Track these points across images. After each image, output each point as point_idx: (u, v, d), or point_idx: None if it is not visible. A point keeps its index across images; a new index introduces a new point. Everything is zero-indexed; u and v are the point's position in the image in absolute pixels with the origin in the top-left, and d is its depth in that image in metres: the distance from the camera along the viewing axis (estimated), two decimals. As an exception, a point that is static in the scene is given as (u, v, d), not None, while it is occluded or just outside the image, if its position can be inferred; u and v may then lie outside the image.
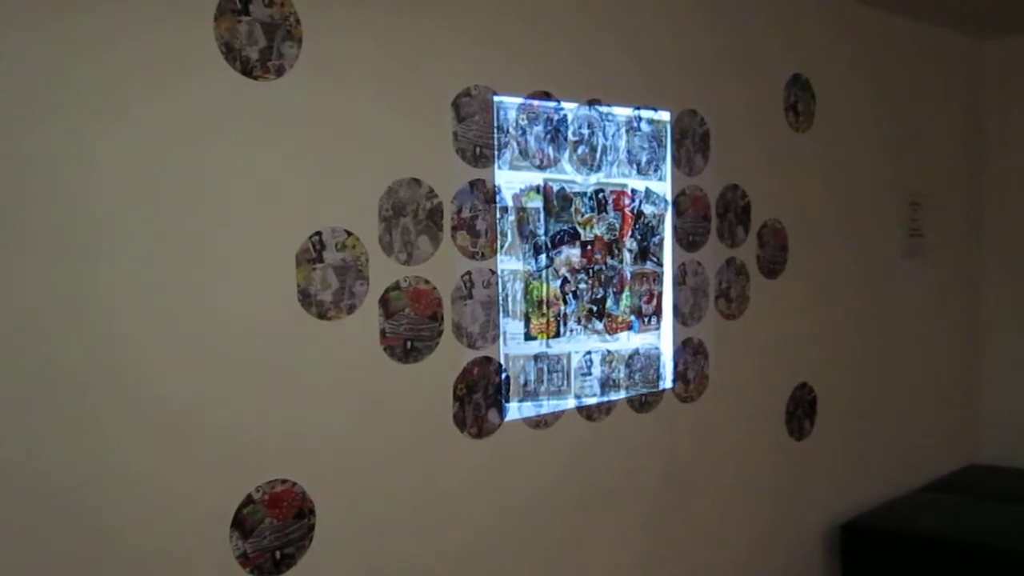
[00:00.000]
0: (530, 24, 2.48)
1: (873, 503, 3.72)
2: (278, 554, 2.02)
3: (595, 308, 2.69)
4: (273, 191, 1.99)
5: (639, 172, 2.79)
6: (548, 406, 2.57)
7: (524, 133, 2.48)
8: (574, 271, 2.62)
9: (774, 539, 3.34)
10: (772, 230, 3.25)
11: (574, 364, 2.64)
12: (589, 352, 2.68)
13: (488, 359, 2.41)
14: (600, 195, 2.68)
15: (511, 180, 2.45)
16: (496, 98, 2.40)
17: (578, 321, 2.64)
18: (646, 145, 2.80)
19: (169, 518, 1.86)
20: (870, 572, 3.48)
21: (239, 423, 1.95)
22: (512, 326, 2.47)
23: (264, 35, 1.96)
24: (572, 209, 2.61)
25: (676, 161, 2.88)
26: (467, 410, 2.37)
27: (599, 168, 2.68)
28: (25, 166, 1.67)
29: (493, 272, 2.41)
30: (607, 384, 2.72)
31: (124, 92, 1.78)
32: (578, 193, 2.63)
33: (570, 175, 2.60)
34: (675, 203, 2.89)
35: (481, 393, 2.40)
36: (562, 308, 2.60)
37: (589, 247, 2.65)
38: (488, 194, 2.39)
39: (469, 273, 2.35)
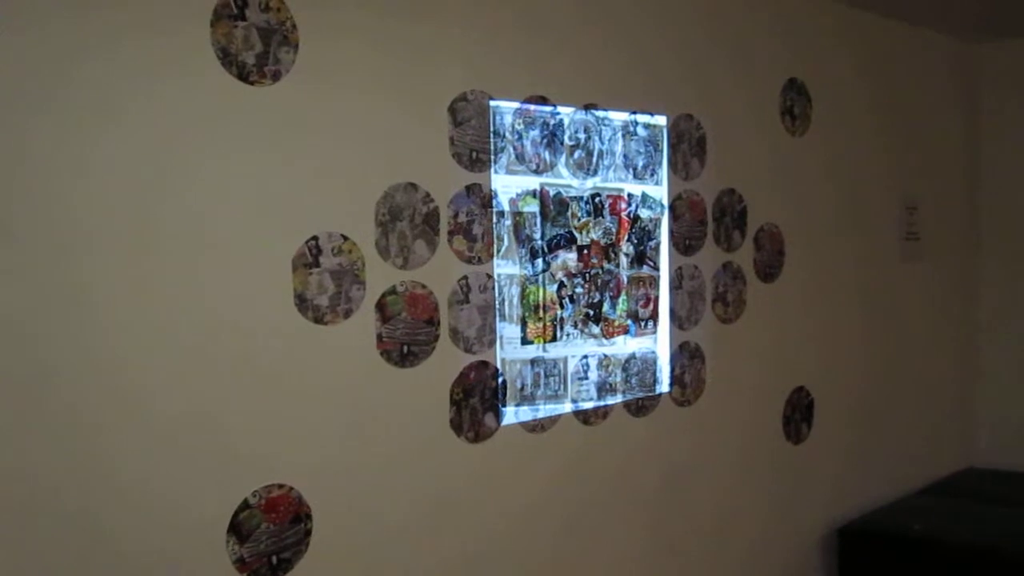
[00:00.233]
0: (526, 29, 2.49)
1: (870, 507, 3.72)
2: (274, 559, 2.02)
3: (592, 312, 2.69)
4: (269, 196, 2.00)
5: (635, 176, 2.79)
6: (545, 410, 2.57)
7: (520, 137, 2.48)
8: (570, 275, 2.63)
9: (772, 543, 3.34)
10: (769, 234, 3.26)
11: (571, 368, 2.64)
12: (586, 356, 2.68)
13: (485, 363, 2.41)
14: (596, 199, 2.69)
15: (507, 184, 2.46)
16: (492, 102, 2.41)
17: (575, 325, 2.64)
18: (642, 149, 2.80)
19: (165, 523, 1.86)
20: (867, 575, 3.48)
21: (235, 428, 1.95)
22: (509, 330, 2.47)
23: (260, 40, 1.97)
24: (568, 213, 2.62)
25: (672, 165, 2.88)
26: (464, 414, 2.37)
27: (595, 172, 2.68)
28: (21, 170, 1.67)
29: (489, 276, 2.41)
30: (604, 388, 2.72)
31: (120, 97, 1.78)
32: (574, 197, 2.63)
33: (566, 179, 2.61)
34: (671, 207, 2.89)
35: (478, 397, 2.40)
36: (559, 312, 2.60)
37: (585, 251, 2.66)
38: (484, 199, 2.39)
39: (466, 277, 2.36)
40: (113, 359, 1.78)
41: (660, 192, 2.86)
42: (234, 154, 1.94)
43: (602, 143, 2.69)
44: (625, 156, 2.76)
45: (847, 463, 3.64)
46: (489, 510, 2.45)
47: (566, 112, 2.59)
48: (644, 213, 2.82)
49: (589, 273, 2.67)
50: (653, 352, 2.87)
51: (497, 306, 2.44)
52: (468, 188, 2.35)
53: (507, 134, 2.45)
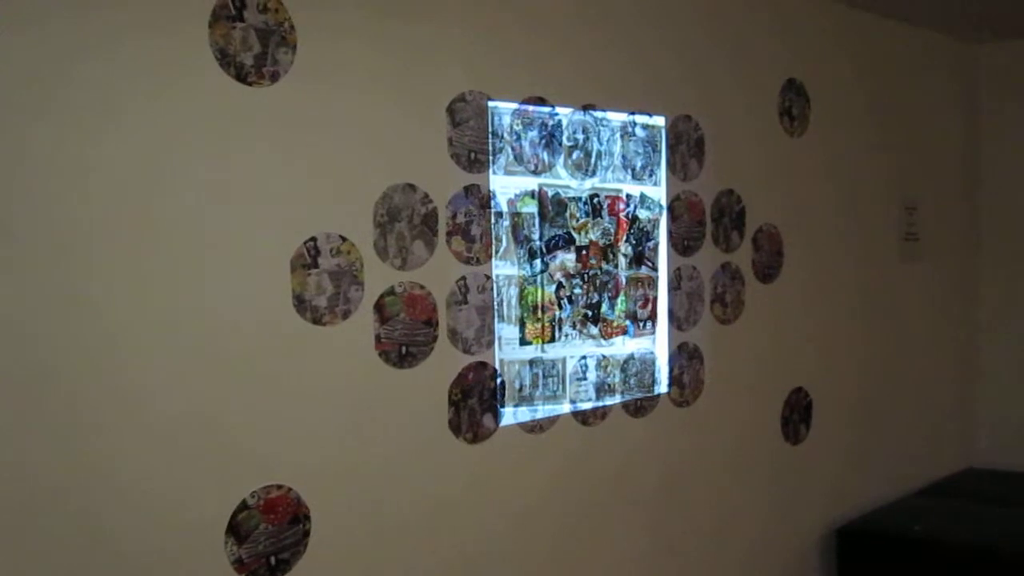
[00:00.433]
0: (525, 30, 2.49)
1: (870, 507, 3.72)
2: (273, 560, 2.02)
3: (590, 313, 2.69)
4: (268, 197, 2.00)
5: (634, 177, 2.79)
6: (543, 411, 2.58)
7: (519, 138, 2.48)
8: (569, 276, 2.63)
9: (770, 543, 3.34)
10: (767, 235, 3.26)
11: (569, 369, 2.64)
12: (584, 357, 2.68)
13: (483, 364, 2.41)
14: (595, 200, 2.69)
15: (506, 185, 2.46)
16: (491, 103, 2.41)
17: (573, 326, 2.65)
18: (641, 150, 2.80)
19: (164, 523, 1.86)
20: (867, 576, 3.48)
21: (234, 428, 1.95)
22: (507, 331, 2.48)
23: (259, 41, 1.97)
24: (567, 214, 2.62)
25: (671, 166, 2.89)
26: (462, 415, 2.37)
27: (594, 173, 2.68)
28: (20, 170, 1.67)
29: (488, 277, 2.41)
30: (602, 389, 2.73)
31: (119, 97, 1.78)
32: (573, 198, 2.63)
33: (565, 180, 2.61)
34: (670, 208, 2.89)
35: (476, 398, 2.40)
36: (557, 313, 2.60)
37: (584, 252, 2.66)
38: (483, 199, 2.39)
39: (464, 278, 2.36)
40: (112, 359, 1.79)
41: (658, 193, 2.86)
42: (232, 155, 1.94)
43: (600, 144, 2.69)
44: (623, 157, 2.76)
45: (846, 463, 3.64)
46: (488, 511, 2.45)
47: (564, 113, 2.59)
48: (642, 214, 2.82)
49: (588, 274, 2.67)
50: (652, 353, 2.87)
51: (495, 307, 2.44)
52: (466, 189, 2.36)
53: (505, 135, 2.45)
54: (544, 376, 2.58)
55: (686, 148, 2.93)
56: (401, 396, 2.24)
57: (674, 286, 2.92)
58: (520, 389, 2.52)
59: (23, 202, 1.68)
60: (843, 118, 3.56)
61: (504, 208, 2.46)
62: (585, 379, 2.68)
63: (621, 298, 2.77)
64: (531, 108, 2.51)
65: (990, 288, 4.35)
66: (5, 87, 1.65)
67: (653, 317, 2.87)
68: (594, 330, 2.70)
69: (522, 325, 2.51)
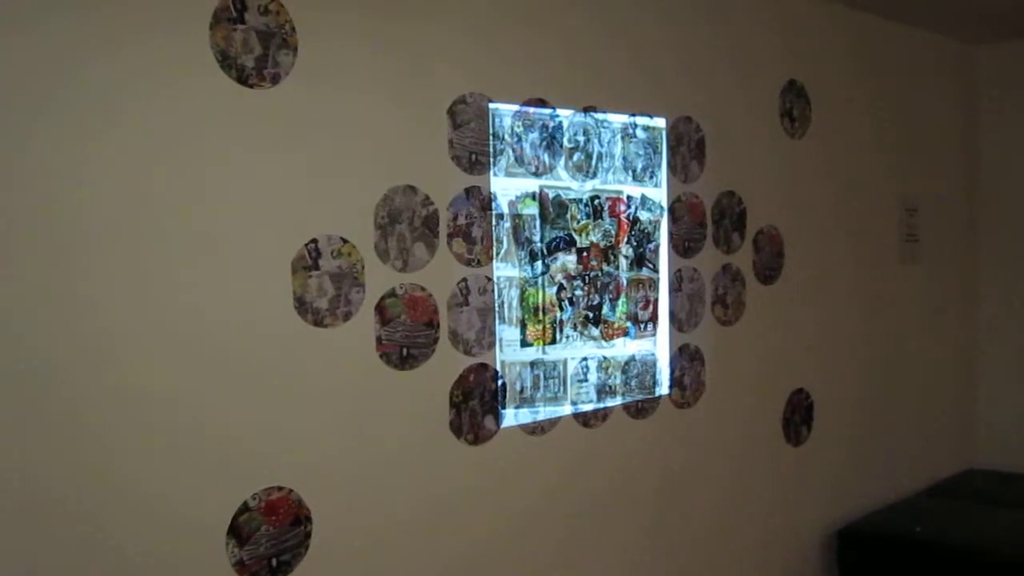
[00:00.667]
0: (525, 31, 2.49)
1: (870, 508, 3.72)
2: (274, 561, 2.02)
3: (591, 314, 2.69)
4: (269, 199, 2.00)
5: (635, 179, 2.79)
6: (544, 413, 2.58)
7: (520, 140, 2.48)
8: (570, 278, 2.63)
9: (771, 545, 3.34)
10: (768, 236, 3.26)
11: (570, 371, 2.64)
12: (585, 359, 2.68)
13: (484, 366, 2.41)
14: (596, 202, 2.69)
15: (507, 187, 2.46)
16: (492, 105, 2.41)
17: (574, 327, 2.64)
18: (642, 152, 2.80)
19: (165, 525, 1.86)
20: (868, 578, 3.48)
21: (235, 430, 1.95)
22: (508, 333, 2.48)
23: (259, 43, 1.97)
24: (568, 216, 2.62)
25: (672, 167, 2.89)
26: (463, 417, 2.37)
27: (595, 175, 2.68)
28: (19, 173, 1.67)
29: (489, 279, 2.41)
30: (603, 391, 2.73)
31: (119, 99, 1.78)
32: (574, 200, 2.63)
33: (566, 182, 2.61)
34: (671, 209, 2.89)
35: (477, 400, 2.40)
36: (558, 315, 2.60)
37: (585, 253, 2.66)
38: (484, 201, 2.39)
39: (465, 280, 2.36)
40: (113, 361, 1.79)
41: (659, 194, 2.86)
42: (233, 157, 1.94)
43: (601, 145, 2.69)
44: (624, 158, 2.76)
45: (847, 465, 3.64)
46: (489, 513, 2.45)
47: (565, 114, 2.59)
48: (643, 215, 2.82)
49: (588, 275, 2.67)
50: (653, 354, 2.87)
51: (496, 308, 2.44)
52: (467, 191, 2.36)
53: (506, 136, 2.45)
54: (545, 378, 2.58)
55: (687, 150, 2.94)
56: (402, 398, 2.24)
57: (675, 288, 2.92)
58: (521, 391, 2.52)
59: (23, 203, 1.68)
60: (844, 120, 3.56)
61: (505, 210, 2.46)
62: (586, 381, 2.68)
63: (622, 300, 2.77)
64: (532, 110, 2.51)
65: (990, 289, 4.35)
66: (5, 87, 1.65)
67: (654, 319, 2.87)
68: (595, 332, 2.70)
69: (523, 327, 2.51)
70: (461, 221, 2.34)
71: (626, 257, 2.78)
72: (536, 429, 2.55)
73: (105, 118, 1.77)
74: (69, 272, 1.73)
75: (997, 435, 4.34)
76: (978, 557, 3.24)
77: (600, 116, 2.69)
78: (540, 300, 2.55)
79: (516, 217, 2.49)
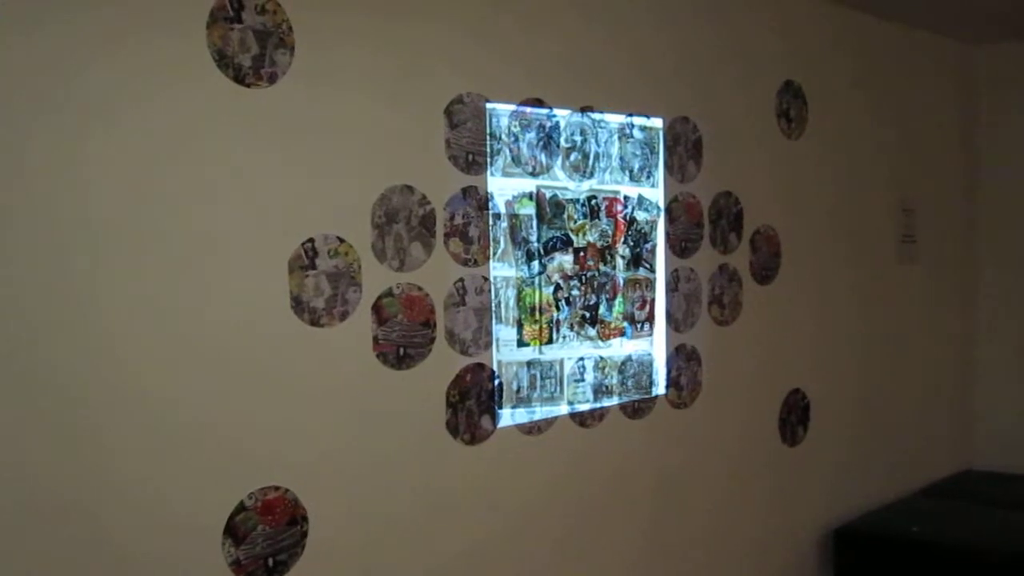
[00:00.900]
0: (523, 32, 2.49)
1: (867, 508, 3.72)
2: (270, 561, 2.02)
3: (588, 314, 2.69)
4: (265, 198, 2.00)
5: (632, 179, 2.79)
6: (541, 412, 2.58)
7: (517, 140, 2.48)
8: (567, 277, 2.63)
9: (768, 545, 3.34)
10: (765, 236, 3.26)
11: (567, 370, 2.64)
12: (582, 358, 2.68)
13: (481, 366, 2.41)
14: (593, 202, 2.69)
15: (504, 187, 2.46)
16: (489, 105, 2.41)
17: (571, 327, 2.65)
18: (639, 152, 2.81)
19: (161, 525, 1.86)
20: (864, 578, 3.48)
21: (231, 430, 1.95)
22: (505, 333, 2.48)
23: (257, 43, 1.97)
24: (565, 216, 2.62)
25: (669, 168, 2.89)
26: (460, 417, 2.37)
27: (592, 175, 2.68)
28: (17, 173, 1.67)
29: (486, 279, 2.42)
30: (600, 390, 2.73)
31: (117, 99, 1.78)
32: (571, 200, 2.63)
33: (563, 182, 2.61)
34: (668, 209, 2.89)
35: (474, 400, 2.40)
36: (555, 314, 2.60)
37: (582, 253, 2.66)
38: (481, 201, 2.40)
39: (462, 280, 2.36)
40: (111, 361, 1.79)
41: (656, 194, 2.87)
42: (230, 156, 1.94)
43: (598, 145, 2.69)
44: (621, 158, 2.76)
45: (843, 465, 3.65)
46: (485, 512, 2.45)
47: (562, 114, 2.59)
48: (640, 215, 2.82)
49: (585, 275, 2.68)
50: (649, 354, 2.87)
51: (493, 308, 2.44)
52: (464, 190, 2.36)
53: (503, 136, 2.45)
54: (542, 378, 2.58)
55: (684, 150, 2.94)
56: (399, 397, 2.24)
57: (672, 288, 2.92)
58: (518, 391, 2.52)
59: (22, 203, 1.68)
60: (841, 120, 3.56)
61: (502, 210, 2.46)
62: (583, 381, 2.68)
63: (619, 300, 2.77)
64: (529, 110, 2.51)
65: (988, 290, 4.35)
66: (4, 87, 1.65)
67: (651, 319, 2.87)
68: (592, 332, 2.70)
69: (520, 326, 2.52)
70: (458, 221, 2.35)
71: (623, 257, 2.78)
72: (533, 429, 2.55)
73: (102, 118, 1.77)
74: (67, 272, 1.73)
75: (995, 435, 4.34)
76: (975, 557, 3.24)
77: (597, 116, 2.69)
78: (537, 300, 2.55)
79: (513, 217, 2.49)
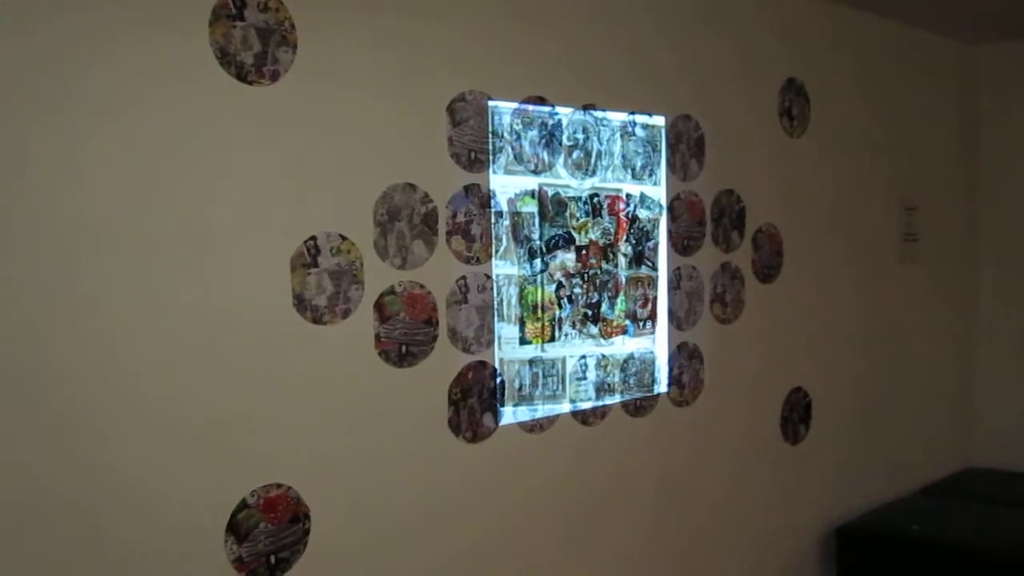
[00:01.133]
0: (525, 29, 2.49)
1: (868, 507, 3.72)
2: (273, 559, 2.02)
3: (590, 312, 2.69)
4: (268, 196, 2.00)
5: (634, 177, 2.79)
6: (543, 410, 2.58)
7: (519, 138, 2.48)
8: (569, 275, 2.63)
9: (769, 543, 3.34)
10: (767, 235, 3.26)
11: (569, 368, 2.64)
12: (584, 356, 2.68)
13: (483, 363, 2.41)
14: (595, 200, 2.69)
15: (506, 185, 2.46)
16: (491, 103, 2.41)
17: (573, 325, 2.65)
18: (641, 150, 2.80)
19: (164, 522, 1.86)
20: (865, 576, 3.48)
21: (234, 428, 1.95)
22: (507, 330, 2.48)
23: (259, 40, 1.97)
24: (567, 214, 2.62)
25: (671, 166, 2.89)
26: (462, 414, 2.37)
27: (594, 173, 2.68)
28: (20, 170, 1.67)
29: (488, 277, 2.41)
30: (602, 388, 2.73)
31: (119, 97, 1.78)
32: (573, 198, 2.63)
33: (565, 180, 2.61)
34: (670, 208, 2.89)
35: (476, 397, 2.40)
36: (557, 312, 2.60)
37: (584, 252, 2.66)
38: (483, 199, 2.39)
39: (464, 278, 2.36)
40: (112, 359, 1.79)
41: (658, 192, 2.86)
42: (232, 154, 1.94)
43: (600, 143, 2.69)
44: (623, 156, 2.76)
45: (845, 463, 3.65)
46: (487, 510, 2.45)
47: (564, 112, 2.59)
48: (642, 213, 2.82)
49: (587, 273, 2.68)
50: (651, 352, 2.87)
51: (495, 306, 2.44)
52: (466, 188, 2.36)
53: (505, 134, 2.45)
54: (544, 375, 2.58)
55: (686, 148, 2.94)
56: (401, 395, 2.24)
57: (674, 286, 2.92)
58: (520, 388, 2.52)
59: (23, 202, 1.68)
60: (843, 118, 3.56)
61: (504, 207, 2.46)
62: (585, 379, 2.68)
63: (621, 298, 2.77)
64: (531, 108, 2.51)
65: (989, 288, 4.35)
66: (4, 86, 1.65)
67: (653, 317, 2.87)
68: (594, 329, 2.70)
69: (522, 324, 2.52)
70: (460, 219, 2.34)
71: (625, 255, 2.78)
72: (535, 427, 2.55)
73: (103, 116, 1.76)
74: (68, 270, 1.73)
75: (995, 434, 4.34)
76: (976, 556, 3.24)
77: (599, 114, 2.69)
78: (539, 298, 2.55)
79: (515, 215, 2.49)
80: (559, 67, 2.58)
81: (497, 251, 2.44)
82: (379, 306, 2.19)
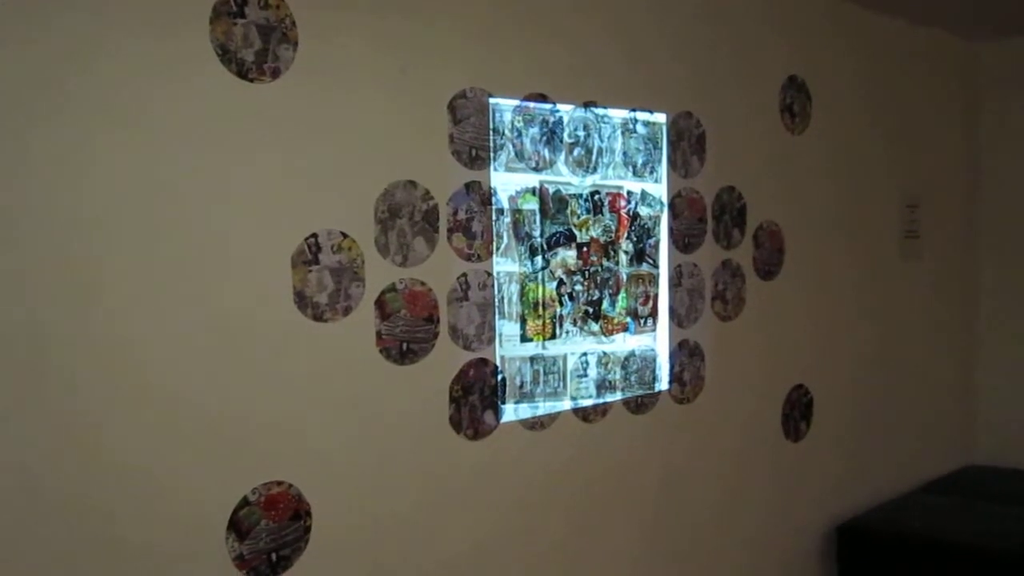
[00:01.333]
0: (526, 26, 2.49)
1: (870, 504, 3.72)
2: (274, 556, 2.02)
3: (591, 310, 2.69)
4: (269, 193, 2.00)
5: (635, 174, 2.79)
6: (544, 408, 2.58)
7: (520, 135, 2.48)
8: (570, 273, 2.63)
9: (771, 541, 3.34)
10: (768, 232, 3.26)
11: (570, 366, 2.64)
12: (585, 354, 2.68)
13: (484, 361, 2.41)
14: (596, 197, 2.69)
15: (507, 182, 2.46)
16: (492, 100, 2.41)
17: (574, 323, 2.65)
18: (642, 147, 2.80)
19: (164, 520, 1.86)
20: (867, 574, 3.48)
21: (235, 425, 1.96)
22: (508, 328, 2.48)
23: (260, 37, 1.97)
24: (568, 211, 2.62)
25: (672, 163, 2.89)
26: (463, 412, 2.37)
27: (595, 170, 2.68)
28: (21, 169, 1.67)
29: (489, 274, 2.41)
30: (603, 386, 2.73)
31: (120, 94, 1.78)
32: (574, 195, 2.63)
33: (566, 177, 2.61)
34: (671, 205, 2.89)
35: (477, 395, 2.40)
36: (558, 310, 2.60)
37: (585, 249, 2.66)
38: (484, 196, 2.39)
39: (465, 275, 2.36)
40: (113, 356, 1.79)
41: (659, 190, 2.86)
42: (233, 151, 1.94)
43: (602, 140, 2.69)
44: (625, 153, 2.76)
45: (846, 461, 3.65)
46: (488, 507, 2.45)
47: (565, 109, 2.59)
48: (643, 211, 2.82)
49: (588, 271, 2.67)
50: (652, 350, 2.87)
51: (496, 303, 2.44)
52: (467, 185, 2.36)
53: (506, 131, 2.45)
54: (545, 373, 2.58)
55: (687, 145, 2.93)
56: (402, 393, 2.24)
57: (675, 283, 2.92)
58: (521, 386, 2.52)
59: (25, 201, 1.68)
60: (844, 115, 3.56)
61: (505, 205, 2.46)
62: (586, 376, 2.68)
63: (622, 295, 2.77)
64: (532, 105, 2.51)
65: (990, 285, 4.35)
66: (8, 86, 1.65)
67: (654, 314, 2.87)
68: (595, 327, 2.70)
69: (523, 322, 2.51)
70: (461, 216, 2.34)
71: (626, 252, 2.78)
72: (536, 424, 2.55)
73: (105, 113, 1.76)
74: (69, 267, 1.73)
75: (997, 431, 4.34)
76: (977, 552, 3.24)
77: (600, 111, 2.68)
78: (540, 295, 2.55)
79: (516, 212, 2.48)
80: (560, 64, 2.58)
81: (498, 248, 2.44)
82: (380, 303, 2.19)
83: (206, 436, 1.91)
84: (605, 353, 2.73)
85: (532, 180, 2.52)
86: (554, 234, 2.59)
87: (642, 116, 2.80)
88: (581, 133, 2.63)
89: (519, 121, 2.48)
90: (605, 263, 2.72)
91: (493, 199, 2.42)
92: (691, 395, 3.00)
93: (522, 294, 2.51)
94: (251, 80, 1.96)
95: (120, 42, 1.78)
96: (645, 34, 2.81)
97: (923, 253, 4.00)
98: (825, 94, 3.45)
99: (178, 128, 1.86)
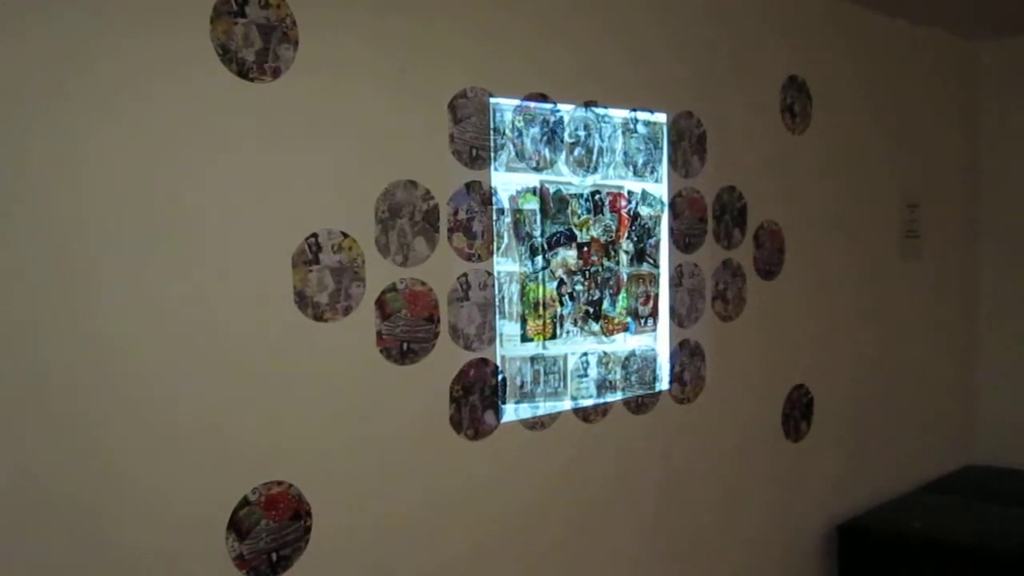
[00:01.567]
0: (526, 26, 2.49)
1: (870, 504, 3.72)
2: (274, 556, 2.02)
3: (592, 310, 2.69)
4: (269, 193, 1.99)
5: (636, 174, 2.79)
6: (544, 408, 2.58)
7: (520, 135, 2.48)
8: (570, 273, 2.63)
9: (771, 541, 3.34)
10: (769, 232, 3.26)
11: (570, 366, 2.64)
12: (585, 354, 2.68)
13: (484, 361, 2.41)
14: (596, 197, 2.69)
15: (507, 182, 2.46)
16: (492, 100, 2.40)
17: (575, 323, 2.64)
18: (642, 147, 2.80)
19: (165, 520, 1.86)
20: (867, 573, 3.48)
21: (235, 425, 1.95)
22: (508, 328, 2.47)
23: (260, 37, 1.97)
24: (568, 211, 2.62)
25: (673, 163, 2.88)
26: (463, 412, 2.37)
27: (595, 170, 2.68)
28: (19, 168, 1.67)
29: (489, 274, 2.41)
30: (603, 386, 2.72)
31: (119, 94, 1.78)
32: (574, 195, 2.63)
33: (566, 177, 2.61)
34: (672, 205, 2.89)
35: (477, 395, 2.40)
36: (558, 310, 2.60)
37: (585, 249, 2.66)
38: (484, 196, 2.39)
39: (465, 275, 2.36)
40: (113, 356, 1.78)
41: (660, 189, 2.86)
42: (234, 151, 1.94)
43: (602, 140, 2.69)
44: (625, 153, 2.76)
45: (846, 460, 3.64)
46: (488, 508, 2.45)
47: (566, 109, 2.59)
48: (644, 210, 2.82)
49: (589, 270, 2.67)
50: (653, 350, 2.87)
51: (497, 303, 2.44)
52: (468, 185, 2.35)
53: (507, 131, 2.45)
54: (545, 373, 2.58)
55: (688, 145, 2.93)
56: (402, 392, 2.24)
57: (675, 283, 2.91)
58: (521, 386, 2.52)
59: (24, 200, 1.68)
60: (845, 115, 3.56)
61: (506, 205, 2.45)
62: (586, 376, 2.68)
63: (622, 295, 2.77)
64: (533, 105, 2.50)
65: (990, 285, 4.35)
66: (6, 85, 1.65)
67: (654, 314, 2.87)
68: (595, 327, 2.70)
69: (523, 322, 2.51)
70: (462, 216, 2.34)
71: (627, 252, 2.78)
72: (536, 424, 2.55)
73: (105, 112, 1.76)
74: (69, 267, 1.73)
75: (996, 431, 4.34)
76: (977, 552, 3.24)
77: (601, 111, 2.68)
78: (540, 295, 2.55)
79: (517, 212, 2.48)
80: (560, 64, 2.57)
81: (498, 248, 2.44)
82: (380, 303, 2.19)
83: (206, 436, 1.91)
84: (606, 353, 2.73)
85: (533, 180, 2.52)
86: (555, 234, 2.58)
87: (643, 116, 2.80)
88: (582, 133, 2.63)
89: (519, 121, 2.47)
90: (606, 263, 2.72)
91: (494, 199, 2.42)
92: (691, 395, 3.00)
93: (523, 294, 2.51)
94: (252, 80, 1.96)
95: (120, 41, 1.78)
96: (646, 34, 2.81)
97: (923, 253, 4.00)
98: (825, 94, 3.45)
99: (179, 127, 1.86)
